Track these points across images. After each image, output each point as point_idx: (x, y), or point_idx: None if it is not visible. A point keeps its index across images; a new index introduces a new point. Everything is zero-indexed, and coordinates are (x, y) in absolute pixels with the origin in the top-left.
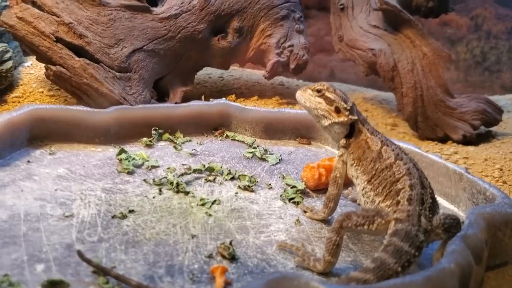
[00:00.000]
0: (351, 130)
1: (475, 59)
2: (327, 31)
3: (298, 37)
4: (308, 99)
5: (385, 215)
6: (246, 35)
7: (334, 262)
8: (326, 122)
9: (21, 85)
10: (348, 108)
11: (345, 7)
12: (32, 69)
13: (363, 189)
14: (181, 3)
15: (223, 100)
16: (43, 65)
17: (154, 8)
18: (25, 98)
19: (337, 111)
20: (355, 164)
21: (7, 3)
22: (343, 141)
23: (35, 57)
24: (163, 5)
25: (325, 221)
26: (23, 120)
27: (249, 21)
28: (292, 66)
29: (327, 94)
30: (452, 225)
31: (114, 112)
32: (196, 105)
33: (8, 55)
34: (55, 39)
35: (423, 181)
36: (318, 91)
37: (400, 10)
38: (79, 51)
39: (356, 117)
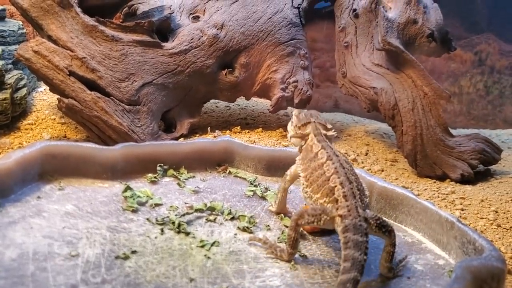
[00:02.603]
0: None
1: (478, 93)
2: (332, 63)
3: (302, 73)
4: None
5: (329, 212)
6: (253, 70)
7: (295, 252)
8: (288, 136)
9: (34, 111)
10: (299, 126)
11: (349, 44)
12: (45, 95)
13: (302, 185)
14: (191, 39)
15: (227, 137)
16: None
17: (164, 44)
18: (37, 126)
19: (294, 128)
20: (299, 163)
21: (24, 30)
22: (298, 148)
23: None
24: (173, 41)
25: (319, 268)
26: (35, 157)
27: (256, 57)
28: (296, 101)
29: (293, 117)
30: (384, 225)
31: (122, 149)
32: (201, 142)
33: (23, 82)
34: (68, 73)
35: (349, 177)
36: (292, 115)
37: (402, 50)
38: (91, 85)
39: (303, 132)
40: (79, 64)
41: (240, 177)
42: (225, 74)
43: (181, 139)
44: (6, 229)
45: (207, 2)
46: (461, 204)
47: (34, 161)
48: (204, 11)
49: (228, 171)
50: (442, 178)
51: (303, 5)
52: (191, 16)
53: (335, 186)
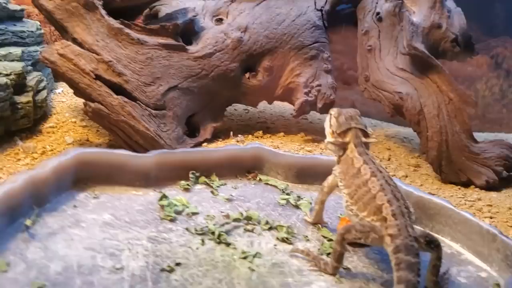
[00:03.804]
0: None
1: (494, 97)
2: (350, 65)
3: (326, 76)
4: (326, 120)
5: (378, 230)
6: (276, 73)
7: (340, 266)
8: (325, 141)
9: (54, 114)
10: (338, 132)
11: (373, 48)
12: (63, 97)
13: (346, 202)
14: (215, 42)
15: (256, 143)
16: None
17: (189, 47)
18: (58, 129)
19: (332, 133)
20: (340, 177)
21: (42, 31)
22: (336, 158)
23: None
24: (197, 44)
25: (364, 281)
26: (70, 164)
27: (280, 60)
28: (319, 105)
29: (332, 119)
30: (432, 240)
31: (156, 156)
32: (232, 149)
33: (43, 84)
34: (94, 77)
35: (396, 194)
36: (330, 114)
37: (428, 56)
38: (117, 89)
39: (343, 140)
40: (105, 67)
41: (271, 185)
42: (248, 78)
43: (205, 144)
44: (47, 241)
45: (230, 4)
46: (489, 212)
47: (69, 169)
48: (227, 13)
49: (258, 178)
50: (467, 184)
51: (326, 7)
52: (215, 18)
53: (383, 204)
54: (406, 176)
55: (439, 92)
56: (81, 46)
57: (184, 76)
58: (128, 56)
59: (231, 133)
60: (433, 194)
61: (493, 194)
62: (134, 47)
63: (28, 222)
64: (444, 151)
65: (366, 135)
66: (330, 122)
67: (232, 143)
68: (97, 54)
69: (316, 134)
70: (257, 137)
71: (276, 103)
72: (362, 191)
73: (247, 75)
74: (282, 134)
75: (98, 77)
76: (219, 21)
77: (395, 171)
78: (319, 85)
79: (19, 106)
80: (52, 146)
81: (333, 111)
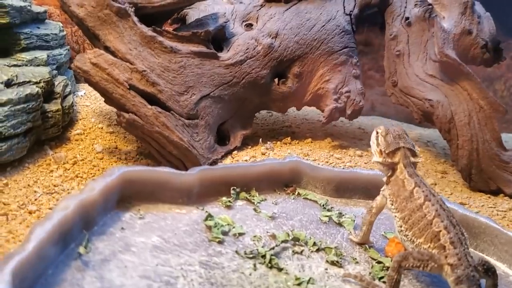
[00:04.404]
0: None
1: None
2: (370, 66)
3: (355, 82)
4: (372, 137)
5: (437, 259)
6: (305, 79)
7: None
8: (373, 159)
9: (80, 119)
10: (387, 152)
11: (401, 53)
12: (86, 100)
13: (400, 227)
14: (246, 49)
15: (295, 157)
16: (97, 95)
17: (220, 54)
18: (86, 136)
19: (380, 152)
20: (390, 200)
21: (64, 32)
22: (384, 178)
23: (87, 84)
24: (228, 51)
25: None
26: (116, 184)
27: (309, 66)
28: (348, 112)
29: (379, 137)
30: (490, 268)
31: (198, 173)
32: (270, 163)
33: (68, 89)
34: (128, 87)
35: (451, 220)
36: (377, 133)
37: (460, 63)
38: (150, 99)
39: (393, 160)
40: (139, 77)
41: (310, 199)
42: (278, 85)
43: (235, 152)
44: (101, 269)
45: (260, 9)
46: None
47: (115, 189)
48: (257, 18)
49: (297, 192)
50: (496, 192)
51: (355, 11)
52: (244, 23)
53: (440, 231)
54: (435, 184)
55: (470, 99)
56: (114, 55)
57: (216, 84)
58: (161, 65)
59: (260, 140)
60: (464, 204)
61: None
62: (167, 55)
63: (81, 250)
64: (475, 159)
65: (414, 154)
66: (377, 140)
67: (261, 150)
68: (131, 63)
69: (342, 139)
70: (285, 144)
71: None
72: (417, 216)
73: (276, 81)
74: (309, 140)
75: (132, 87)
76: (249, 26)
77: (425, 179)
78: (348, 91)
79: (49, 115)
80: (82, 155)
81: (380, 129)
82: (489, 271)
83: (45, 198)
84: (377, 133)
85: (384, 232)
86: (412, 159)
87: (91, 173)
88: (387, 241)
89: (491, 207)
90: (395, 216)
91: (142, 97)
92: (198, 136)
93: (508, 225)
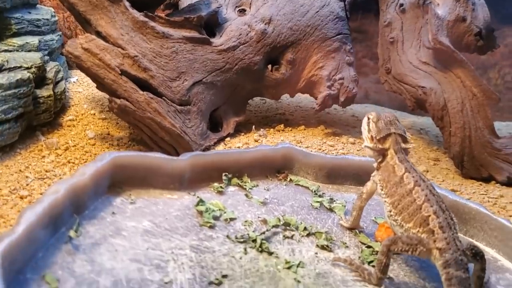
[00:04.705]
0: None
1: (506, 85)
2: (364, 53)
3: (348, 69)
4: (363, 123)
5: (426, 243)
6: (299, 66)
7: (384, 277)
8: (364, 145)
9: (73, 105)
10: (378, 138)
11: (395, 40)
12: (79, 86)
13: (389, 212)
14: (239, 35)
15: (287, 143)
16: (89, 81)
17: (213, 40)
18: (78, 122)
19: (371, 138)
20: (380, 185)
21: (56, 18)
22: (375, 164)
23: (79, 71)
24: (221, 36)
25: None
26: (107, 169)
27: (303, 53)
28: (341, 99)
29: (371, 123)
30: (478, 252)
31: (190, 159)
32: (263, 150)
33: (60, 75)
34: (120, 72)
35: (441, 205)
36: (368, 119)
37: (453, 50)
38: (142, 84)
39: (383, 146)
40: (131, 63)
41: (302, 186)
42: (271, 71)
43: (228, 139)
44: (92, 252)
45: None
46: None
47: (105, 174)
48: (250, 3)
49: (289, 178)
50: (487, 180)
51: None
52: (237, 9)
53: (429, 215)
54: (427, 171)
55: (463, 87)
56: (106, 40)
57: (208, 70)
58: (153, 51)
59: (253, 127)
60: (454, 191)
61: None
62: (159, 41)
63: (72, 233)
64: (467, 146)
65: (405, 140)
66: (369, 126)
67: (254, 137)
68: (123, 48)
69: (335, 126)
70: (279, 131)
71: None
72: (406, 201)
73: (269, 68)
74: (302, 127)
75: (123, 73)
76: (242, 11)
77: (415, 166)
78: (342, 78)
79: (41, 101)
80: (74, 141)
81: (371, 115)
82: (477, 256)
83: (36, 183)
84: (369, 119)
85: (375, 218)
86: (403, 145)
87: (83, 159)
88: (377, 226)
89: (482, 194)
90: (385, 201)
91: (134, 83)
92: (191, 122)
93: (499, 211)
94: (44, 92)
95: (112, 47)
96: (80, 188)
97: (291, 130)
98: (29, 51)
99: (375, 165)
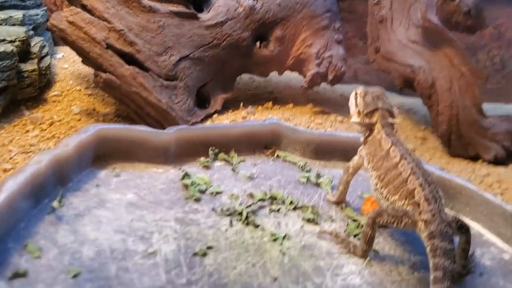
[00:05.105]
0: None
1: (494, 67)
2: (354, 33)
3: (337, 47)
4: (350, 98)
5: (411, 215)
6: (287, 43)
7: (370, 249)
8: (351, 120)
9: (58, 81)
10: (365, 112)
11: (384, 19)
12: (65, 63)
13: (375, 185)
14: (227, 10)
15: (275, 119)
16: (75, 58)
17: (200, 15)
18: (64, 97)
19: (358, 113)
20: (367, 159)
21: None
22: (362, 138)
23: (66, 47)
24: (208, 12)
25: (394, 264)
26: (90, 141)
27: (291, 29)
28: (330, 77)
29: (358, 98)
30: (463, 225)
31: (175, 132)
32: (250, 125)
33: (45, 50)
34: (105, 46)
35: (427, 178)
36: (356, 93)
37: (442, 29)
38: (128, 59)
39: (370, 121)
40: (117, 36)
41: (290, 162)
42: (260, 48)
43: (215, 115)
44: (75, 223)
45: None
46: (499, 188)
47: (89, 146)
48: None
49: (276, 154)
50: (474, 158)
51: None
52: None
53: (415, 188)
54: (415, 150)
55: (451, 66)
56: (91, 13)
57: (195, 46)
58: (139, 25)
59: (241, 104)
60: (451, 173)
61: (501, 170)
62: (146, 15)
63: (55, 204)
64: (454, 125)
65: (392, 115)
66: (356, 101)
67: (242, 114)
68: (108, 22)
69: (324, 105)
70: (267, 109)
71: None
72: (392, 174)
73: (258, 44)
74: (291, 105)
75: (109, 46)
76: None
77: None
78: (331, 56)
79: (25, 75)
80: (59, 116)
81: (359, 90)
82: (463, 228)
83: (20, 157)
84: (356, 94)
85: (361, 193)
86: (390, 120)
87: (68, 134)
88: (363, 201)
89: (469, 173)
90: (371, 175)
91: (120, 57)
92: (177, 98)
93: (486, 189)
94: (29, 67)
95: (98, 20)
96: (63, 159)
97: (279, 108)
98: (13, 25)
99: (362, 139)
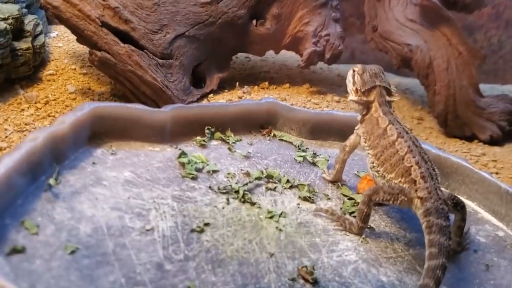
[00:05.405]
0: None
1: (492, 48)
2: (351, 12)
3: (334, 26)
4: (348, 76)
5: (407, 193)
6: (284, 21)
7: (365, 227)
8: (348, 98)
9: (53, 60)
10: (363, 90)
11: None
12: (59, 41)
13: (372, 163)
14: None
15: (271, 98)
16: (70, 36)
17: None
18: (59, 76)
19: (356, 91)
20: (364, 137)
21: None
22: (359, 117)
23: (61, 26)
24: None
25: (389, 241)
26: (86, 119)
27: (288, 7)
28: (327, 56)
29: (356, 76)
30: (459, 202)
31: (171, 111)
32: (247, 104)
33: (39, 28)
34: (100, 24)
35: (423, 156)
36: (353, 71)
37: (440, 7)
38: (123, 37)
39: (368, 99)
40: (112, 14)
41: (286, 141)
42: (256, 26)
43: (211, 95)
44: (72, 200)
45: None
46: (494, 167)
47: (85, 124)
48: None
49: (272, 134)
50: (470, 138)
51: None
52: None
53: (411, 166)
54: (411, 130)
55: (449, 45)
56: None
57: (191, 24)
58: (134, 2)
59: (237, 84)
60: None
61: (497, 149)
62: None
63: (52, 181)
64: (451, 105)
65: (389, 93)
66: (353, 79)
67: (238, 94)
68: None
69: (320, 85)
70: (263, 88)
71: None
72: (389, 152)
73: (254, 22)
74: (287, 85)
75: (104, 24)
76: None
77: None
78: (328, 35)
79: (19, 53)
80: (54, 95)
81: (357, 67)
82: (458, 206)
83: (15, 136)
84: (354, 71)
85: (357, 172)
86: (388, 98)
87: (64, 113)
88: (360, 179)
89: (465, 152)
90: (368, 153)
91: (115, 35)
92: (173, 76)
93: (481, 169)
94: (23, 45)
95: None
96: (59, 136)
97: (275, 88)
98: (6, 2)
99: (359, 118)
